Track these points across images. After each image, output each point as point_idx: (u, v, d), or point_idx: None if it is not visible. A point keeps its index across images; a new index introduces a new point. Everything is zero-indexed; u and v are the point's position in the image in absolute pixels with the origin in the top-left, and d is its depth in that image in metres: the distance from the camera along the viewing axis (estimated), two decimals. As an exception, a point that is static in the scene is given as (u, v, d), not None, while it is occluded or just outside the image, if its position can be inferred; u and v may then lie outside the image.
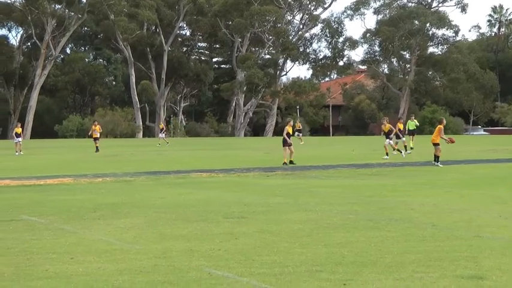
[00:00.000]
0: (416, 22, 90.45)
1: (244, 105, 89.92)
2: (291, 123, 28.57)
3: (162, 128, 53.55)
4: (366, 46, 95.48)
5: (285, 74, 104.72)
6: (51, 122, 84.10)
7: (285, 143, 26.95)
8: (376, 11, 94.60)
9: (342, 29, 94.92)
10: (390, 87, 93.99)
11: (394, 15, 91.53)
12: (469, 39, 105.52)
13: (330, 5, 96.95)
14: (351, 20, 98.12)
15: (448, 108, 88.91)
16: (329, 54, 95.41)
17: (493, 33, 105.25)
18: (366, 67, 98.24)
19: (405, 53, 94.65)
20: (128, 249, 9.11)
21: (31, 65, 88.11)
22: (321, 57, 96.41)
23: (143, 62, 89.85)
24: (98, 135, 41.17)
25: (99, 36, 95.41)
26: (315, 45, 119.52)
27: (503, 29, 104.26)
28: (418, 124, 38.92)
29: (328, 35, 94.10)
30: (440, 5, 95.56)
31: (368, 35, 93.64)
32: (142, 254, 8.77)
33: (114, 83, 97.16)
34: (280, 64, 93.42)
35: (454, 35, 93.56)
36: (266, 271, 7.69)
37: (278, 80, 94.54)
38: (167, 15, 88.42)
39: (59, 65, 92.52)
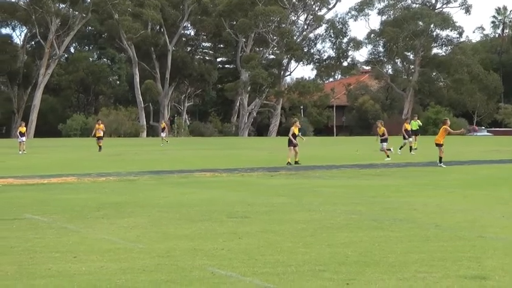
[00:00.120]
0: (421, 23, 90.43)
1: (248, 105, 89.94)
2: (297, 123, 28.52)
3: (164, 127, 53.61)
4: (370, 47, 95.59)
5: (289, 74, 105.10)
6: (55, 121, 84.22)
7: (290, 143, 26.96)
8: (381, 12, 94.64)
9: (346, 29, 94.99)
10: (394, 88, 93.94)
11: (399, 16, 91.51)
12: (473, 41, 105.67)
13: (334, 6, 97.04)
14: (355, 20, 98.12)
15: (451, 109, 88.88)
16: (333, 54, 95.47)
17: (497, 35, 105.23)
18: (370, 68, 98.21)
19: (409, 53, 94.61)
20: (131, 248, 9.11)
21: (35, 64, 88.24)
22: (325, 57, 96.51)
23: (147, 61, 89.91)
24: (102, 134, 41.19)
25: (103, 35, 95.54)
26: (319, 46, 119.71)
27: (507, 31, 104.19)
28: (421, 124, 38.91)
29: (332, 36, 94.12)
30: (444, 6, 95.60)
31: (372, 35, 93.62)
32: (145, 253, 8.78)
33: (118, 82, 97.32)
34: (285, 64, 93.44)
35: (458, 36, 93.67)
36: (269, 270, 7.69)
37: (282, 80, 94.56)
38: (171, 15, 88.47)
39: (63, 64, 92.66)
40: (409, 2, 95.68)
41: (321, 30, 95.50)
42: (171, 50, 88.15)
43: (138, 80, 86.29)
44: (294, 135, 27.17)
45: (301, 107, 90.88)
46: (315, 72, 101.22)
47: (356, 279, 7.23)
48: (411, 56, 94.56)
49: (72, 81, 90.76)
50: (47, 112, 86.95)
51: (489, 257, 8.34)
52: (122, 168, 24.90)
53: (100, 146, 39.80)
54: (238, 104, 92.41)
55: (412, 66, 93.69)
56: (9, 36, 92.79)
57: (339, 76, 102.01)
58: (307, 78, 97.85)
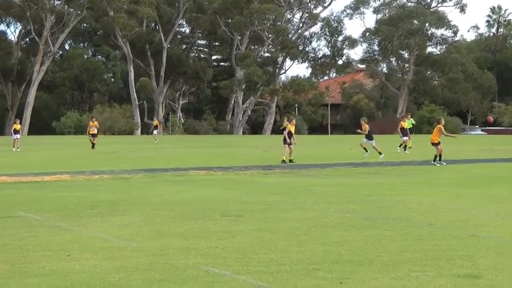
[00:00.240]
0: (416, 22, 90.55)
1: (242, 103, 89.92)
2: (294, 121, 28.60)
3: (156, 125, 53.48)
4: (365, 45, 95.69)
5: (284, 73, 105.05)
6: (49, 119, 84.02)
7: (285, 141, 27.00)
8: (376, 10, 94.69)
9: (342, 27, 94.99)
10: (389, 87, 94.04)
11: (394, 14, 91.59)
12: (468, 40, 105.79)
13: (329, 4, 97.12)
14: (350, 19, 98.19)
15: (446, 107, 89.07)
16: (328, 53, 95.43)
17: (492, 34, 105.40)
18: (364, 66, 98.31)
19: (404, 52, 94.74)
20: (125, 246, 9.10)
21: (29, 61, 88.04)
22: (320, 55, 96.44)
23: (142, 59, 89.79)
24: (96, 132, 41.09)
25: (98, 32, 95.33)
26: (314, 44, 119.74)
27: (501, 30, 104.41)
28: (414, 123, 38.99)
29: (327, 34, 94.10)
30: (439, 5, 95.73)
31: (367, 34, 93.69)
32: (139, 251, 8.76)
33: (112, 79, 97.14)
34: (280, 62, 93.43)
35: (452, 35, 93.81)
36: (263, 269, 7.69)
37: (277, 78, 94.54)
38: (167, 12, 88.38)
39: (57, 61, 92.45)
40: (405, 0, 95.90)
41: (316, 28, 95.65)
42: (166, 47, 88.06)
43: (132, 77, 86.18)
44: (290, 134, 27.19)
45: (296, 105, 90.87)
46: (309, 70, 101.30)
47: (350, 278, 7.23)
48: (406, 55, 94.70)
49: (67, 78, 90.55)
50: (41, 109, 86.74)
51: (482, 256, 8.36)
52: (116, 166, 24.87)
53: (93, 144, 39.71)
54: (233, 102, 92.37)
55: (407, 65, 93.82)
56: (3, 33, 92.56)
57: (334, 74, 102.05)
58: (302, 77, 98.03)
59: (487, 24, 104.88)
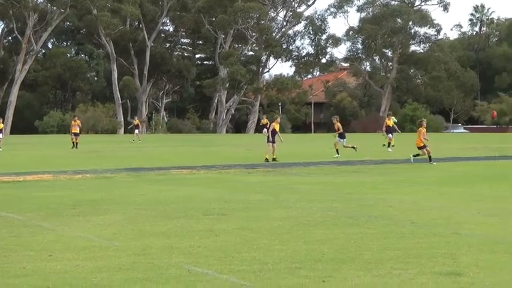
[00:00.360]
0: (399, 20, 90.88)
1: (226, 102, 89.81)
2: (278, 120, 28.59)
3: (137, 124, 53.21)
4: (348, 44, 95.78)
5: (268, 71, 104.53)
6: (31, 118, 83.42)
7: (269, 139, 27.00)
8: (360, 9, 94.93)
9: (325, 26, 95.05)
10: (372, 85, 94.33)
11: (377, 13, 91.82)
12: (451, 38, 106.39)
13: (313, 3, 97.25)
14: (334, 17, 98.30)
15: (428, 106, 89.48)
16: (312, 51, 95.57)
17: (475, 32, 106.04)
18: (348, 65, 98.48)
19: (387, 51, 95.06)
20: (107, 246, 9.07)
21: (12, 60, 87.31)
22: (303, 54, 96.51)
23: (125, 57, 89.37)
24: (78, 131, 40.78)
25: (81, 31, 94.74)
26: (298, 43, 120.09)
27: (484, 28, 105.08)
28: (396, 121, 39.18)
29: (311, 32, 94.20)
30: (422, 3, 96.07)
31: (351, 32, 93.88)
32: (121, 251, 8.74)
33: (95, 78, 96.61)
34: (263, 61, 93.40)
35: (436, 33, 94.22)
36: (245, 268, 7.69)
37: (261, 77, 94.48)
38: (150, 11, 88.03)
39: (40, 60, 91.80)
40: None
41: (300, 27, 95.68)
42: (150, 46, 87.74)
43: (116, 76, 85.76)
44: (274, 132, 27.19)
45: (280, 104, 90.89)
46: (293, 69, 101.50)
47: (332, 276, 7.26)
48: (389, 53, 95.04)
49: (49, 77, 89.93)
50: (24, 108, 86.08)
51: (464, 253, 8.42)
52: (99, 166, 24.77)
53: (75, 143, 39.41)
54: (216, 101, 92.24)
55: (390, 64, 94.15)
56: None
57: (318, 73, 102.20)
58: (286, 75, 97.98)
59: (470, 22, 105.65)
